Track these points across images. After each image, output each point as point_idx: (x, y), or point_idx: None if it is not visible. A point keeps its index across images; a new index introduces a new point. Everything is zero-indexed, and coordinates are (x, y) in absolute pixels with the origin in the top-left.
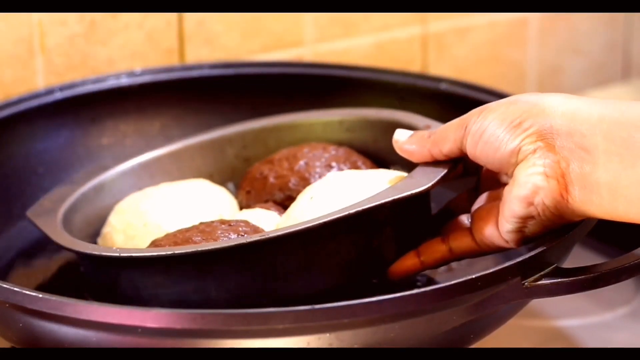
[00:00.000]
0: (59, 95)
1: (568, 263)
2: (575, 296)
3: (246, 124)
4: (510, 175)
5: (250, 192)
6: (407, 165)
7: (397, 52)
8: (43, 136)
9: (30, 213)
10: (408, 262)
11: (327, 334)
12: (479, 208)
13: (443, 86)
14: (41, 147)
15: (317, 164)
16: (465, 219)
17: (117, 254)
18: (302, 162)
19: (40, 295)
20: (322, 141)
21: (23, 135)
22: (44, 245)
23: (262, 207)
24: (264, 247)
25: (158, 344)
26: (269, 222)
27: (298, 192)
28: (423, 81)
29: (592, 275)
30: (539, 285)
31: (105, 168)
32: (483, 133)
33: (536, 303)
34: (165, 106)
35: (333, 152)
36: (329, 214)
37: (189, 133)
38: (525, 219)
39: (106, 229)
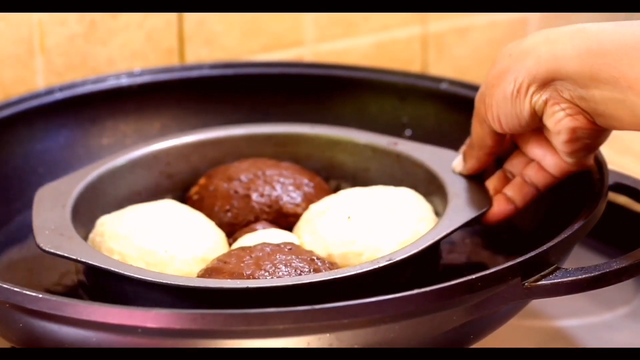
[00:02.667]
0: (59, 95)
1: (568, 263)
2: (575, 296)
3: (170, 140)
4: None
5: (230, 210)
6: (350, 180)
7: (397, 52)
8: (43, 136)
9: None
10: (505, 209)
11: (327, 334)
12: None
13: (443, 86)
14: (41, 147)
15: (286, 180)
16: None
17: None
18: (280, 180)
19: (40, 295)
20: (248, 156)
21: (23, 135)
22: None
23: (271, 227)
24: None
25: (158, 344)
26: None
27: (292, 209)
28: (423, 81)
29: (592, 275)
30: (539, 285)
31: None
32: (500, 119)
33: (536, 303)
34: (165, 106)
35: (285, 165)
36: (412, 246)
37: (189, 133)
38: (582, 147)
39: (114, 256)
